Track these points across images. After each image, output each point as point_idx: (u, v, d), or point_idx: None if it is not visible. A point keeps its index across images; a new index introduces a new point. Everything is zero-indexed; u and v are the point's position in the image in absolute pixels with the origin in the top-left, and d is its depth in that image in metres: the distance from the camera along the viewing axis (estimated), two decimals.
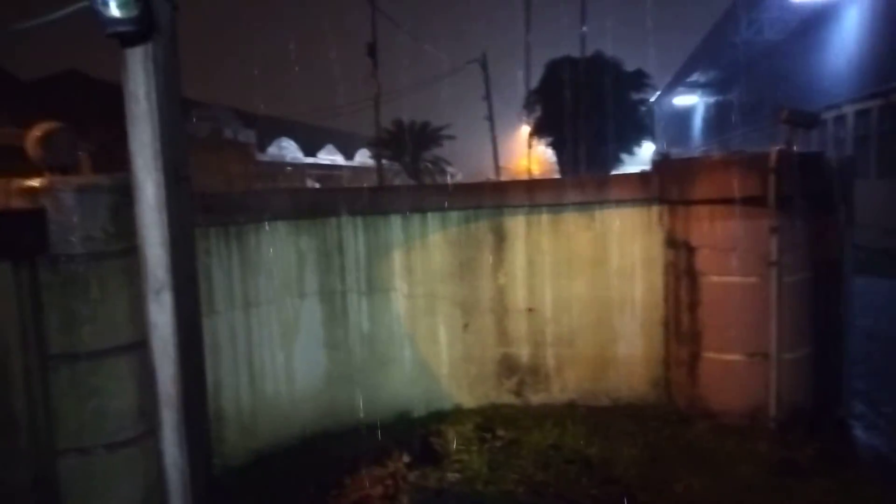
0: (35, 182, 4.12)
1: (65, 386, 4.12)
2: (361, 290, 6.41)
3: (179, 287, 2.67)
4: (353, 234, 6.35)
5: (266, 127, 42.42)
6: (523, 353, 6.73)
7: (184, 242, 2.81)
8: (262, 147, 42.94)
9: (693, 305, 6.19)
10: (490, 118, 27.38)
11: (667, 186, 6.39)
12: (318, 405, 6.09)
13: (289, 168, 42.94)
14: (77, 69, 29.53)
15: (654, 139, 28.63)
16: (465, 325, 6.65)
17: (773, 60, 28.77)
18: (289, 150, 46.40)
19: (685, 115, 47.05)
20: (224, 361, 5.45)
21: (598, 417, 6.14)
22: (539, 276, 6.69)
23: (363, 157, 50.71)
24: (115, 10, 2.29)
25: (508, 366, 6.73)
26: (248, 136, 41.33)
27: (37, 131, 4.39)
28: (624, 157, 26.93)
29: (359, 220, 6.37)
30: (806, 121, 6.61)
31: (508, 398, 6.69)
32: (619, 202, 6.58)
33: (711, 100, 41.57)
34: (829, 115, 22.19)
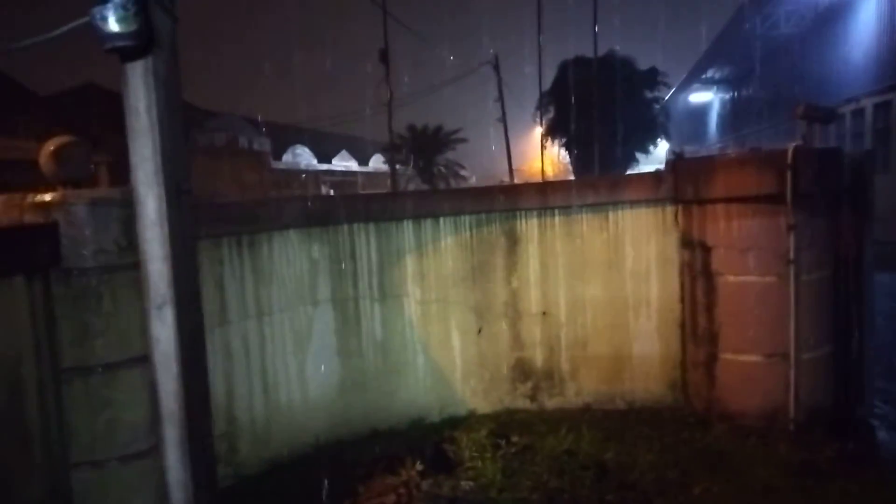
0: (48, 196, 4.15)
1: (78, 398, 4.14)
2: (374, 297, 6.40)
3: (181, 302, 2.66)
4: (364, 240, 6.34)
5: (280, 135, 42.74)
6: (538, 357, 6.68)
7: (185, 257, 2.80)
8: (277, 155, 43.26)
9: (710, 306, 6.10)
10: (503, 120, 27.31)
11: (681, 186, 6.31)
12: (331, 413, 6.08)
13: (303, 175, 43.19)
14: (94, 82, 29.93)
15: (669, 137, 28.38)
16: (479, 330, 6.62)
17: (789, 55, 28.42)
18: (303, 157, 46.71)
19: (701, 112, 46.62)
20: (237, 371, 5.46)
21: (614, 421, 6.07)
22: (553, 279, 6.64)
23: (377, 163, 50.89)
24: (114, 25, 2.29)
25: (523, 370, 6.68)
26: (263, 144, 41.68)
27: (50, 145, 4.43)
28: (639, 156, 26.76)
29: (370, 227, 6.36)
30: (823, 115, 6.50)
31: (523, 403, 6.64)
32: (633, 203, 6.52)
33: (727, 96, 41.15)
34: (847, 109, 21.85)
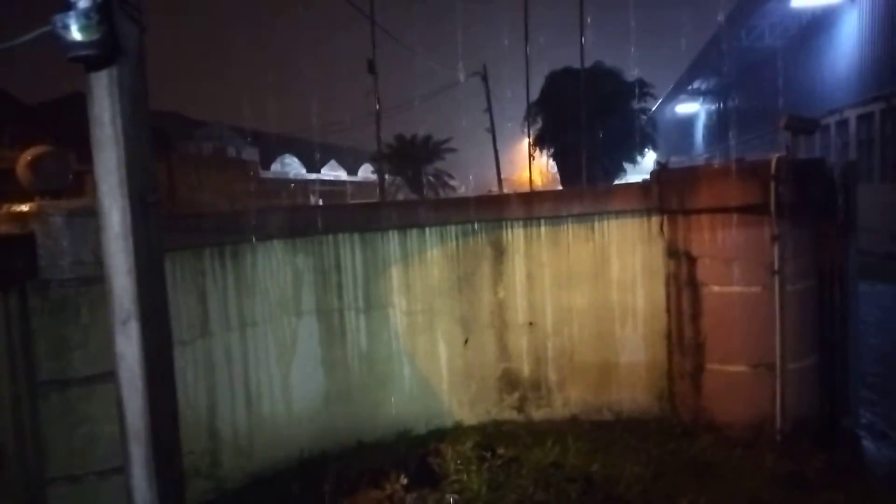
0: (24, 207, 4.09)
1: (55, 412, 4.06)
2: (359, 308, 6.35)
3: (147, 317, 2.60)
4: (349, 251, 6.30)
5: (269, 144, 42.64)
6: (524, 367, 6.65)
7: (152, 271, 2.74)
8: (266, 164, 43.15)
9: (695, 316, 6.10)
10: (492, 130, 27.39)
11: (666, 196, 6.33)
12: (316, 425, 6.01)
13: (292, 185, 43.07)
14: (81, 91, 29.65)
15: (656, 148, 28.55)
16: (465, 341, 6.58)
17: (774, 66, 28.73)
18: (292, 166, 46.63)
19: (687, 123, 47.00)
20: (220, 383, 5.39)
21: (601, 432, 6.04)
22: (539, 290, 6.62)
23: (366, 172, 50.87)
24: (76, 34, 2.24)
25: (510, 381, 6.64)
26: (252, 153, 41.55)
27: (27, 155, 4.37)
28: (627, 166, 26.88)
29: (356, 237, 6.32)
30: (806, 127, 6.54)
31: (510, 414, 6.59)
32: (619, 213, 6.52)
33: (713, 107, 41.53)
34: (831, 120, 22.09)
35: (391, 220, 6.47)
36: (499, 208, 6.66)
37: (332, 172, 52.05)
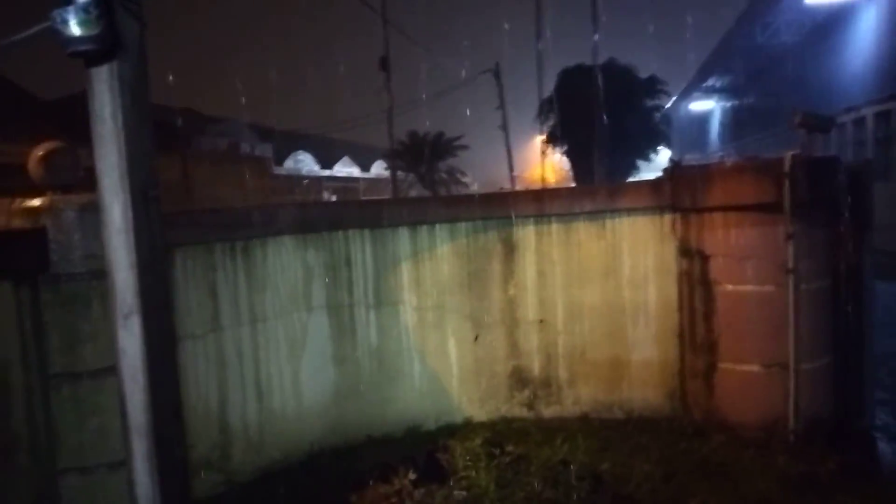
0: (36, 201, 4.13)
1: (66, 405, 4.10)
2: (369, 304, 6.36)
3: (149, 312, 2.60)
4: (360, 246, 6.30)
5: (282, 141, 42.78)
6: (535, 365, 6.62)
7: (154, 265, 2.75)
8: (279, 161, 43.29)
9: (708, 315, 6.05)
10: (504, 128, 27.30)
11: (679, 194, 6.27)
12: (325, 421, 6.03)
13: (305, 181, 43.20)
14: None
15: (670, 145, 28.37)
16: (476, 338, 6.56)
17: (789, 63, 28.44)
18: (305, 163, 46.75)
19: (702, 120, 46.65)
20: (230, 377, 5.41)
21: (611, 431, 6.01)
22: (550, 287, 6.59)
23: (379, 169, 50.90)
24: (75, 29, 2.24)
25: (520, 378, 6.62)
26: (265, 150, 41.71)
27: (38, 150, 4.41)
28: (640, 163, 26.74)
29: (366, 233, 6.32)
30: (821, 124, 6.46)
31: (520, 411, 6.57)
32: (631, 210, 6.48)
33: (728, 105, 41.19)
34: (847, 118, 21.82)
35: (402, 217, 6.47)
36: (510, 205, 6.63)
37: (345, 169, 52.13)
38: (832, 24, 24.86)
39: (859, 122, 21.88)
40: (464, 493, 4.86)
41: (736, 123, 38.41)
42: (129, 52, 2.55)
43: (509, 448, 5.54)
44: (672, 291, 6.41)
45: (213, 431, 5.26)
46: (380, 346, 6.38)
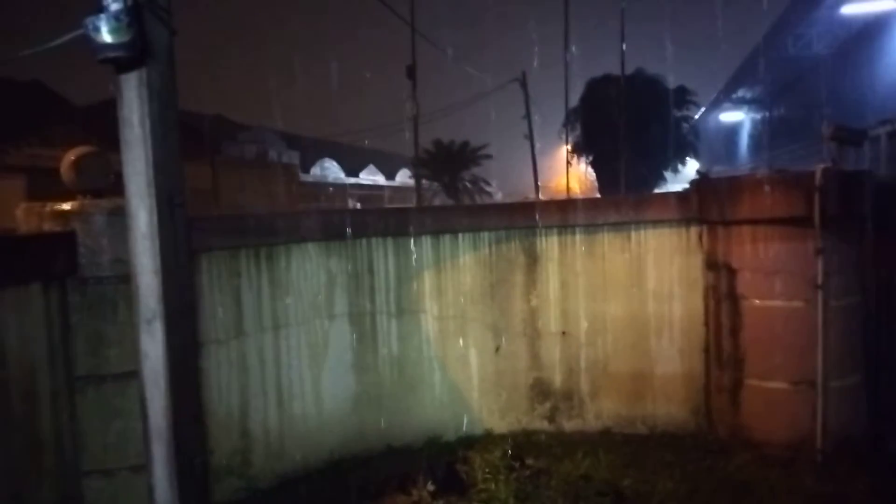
0: (66, 205, 4.21)
1: (91, 407, 4.16)
2: (391, 312, 6.35)
3: (171, 317, 2.63)
4: (383, 254, 6.31)
5: (309, 148, 43.16)
6: (556, 377, 6.56)
7: (178, 271, 2.78)
8: (306, 168, 43.67)
9: (735, 330, 5.94)
10: (530, 137, 27.21)
11: (706, 206, 6.19)
12: (346, 428, 6.03)
13: (331, 188, 43.50)
14: None
15: (698, 157, 28.01)
16: (497, 348, 6.52)
17: (822, 75, 27.97)
18: (331, 170, 47.11)
19: (731, 132, 46.01)
20: (252, 383, 5.44)
21: (634, 446, 5.92)
22: (573, 299, 6.53)
23: (404, 177, 51.11)
24: (106, 36, 2.28)
25: (541, 390, 6.55)
26: (292, 157, 42.10)
27: (70, 155, 4.50)
28: (668, 175, 26.42)
29: (389, 241, 6.33)
30: (853, 137, 6.33)
31: (541, 424, 6.51)
32: (657, 222, 6.40)
33: (758, 116, 40.59)
34: (882, 131, 21.35)
35: (425, 225, 6.46)
36: (533, 215, 6.59)
37: (370, 177, 52.40)
38: (867, 36, 24.40)
39: (893, 136, 21.40)
40: None
41: (766, 135, 37.85)
42: (159, 60, 2.59)
43: (529, 461, 5.49)
44: (698, 305, 6.31)
45: (234, 437, 5.28)
46: (400, 354, 6.37)
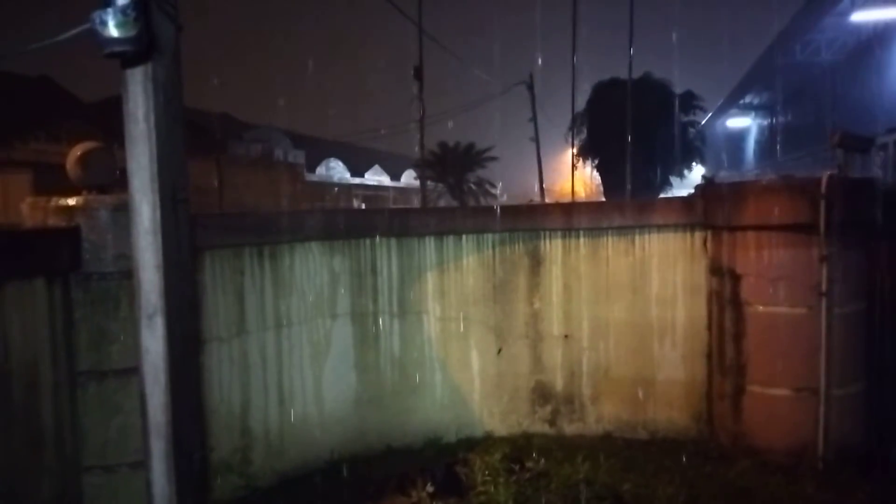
0: (71, 200, 4.22)
1: (92, 403, 4.16)
2: (393, 312, 6.35)
3: (173, 312, 2.63)
4: (386, 255, 6.32)
5: (315, 148, 43.25)
6: (558, 380, 6.55)
7: (180, 266, 2.78)
8: (311, 167, 43.74)
9: (738, 336, 5.92)
10: (536, 140, 27.20)
11: (711, 211, 6.17)
12: (346, 428, 6.03)
13: (336, 188, 43.57)
14: None
15: (704, 162, 27.95)
16: (499, 351, 6.52)
17: (830, 82, 27.88)
18: (336, 170, 47.18)
19: (738, 137, 45.91)
20: (253, 382, 5.45)
21: (635, 451, 5.90)
22: (575, 302, 6.52)
23: (409, 178, 51.13)
24: (113, 30, 2.29)
25: (542, 394, 6.54)
26: (298, 156, 42.19)
27: (76, 150, 4.51)
28: (673, 180, 26.37)
29: (392, 242, 6.33)
30: (860, 144, 6.31)
31: (541, 427, 6.50)
32: (661, 227, 6.39)
33: (765, 122, 40.49)
34: (890, 139, 21.28)
35: (428, 226, 6.47)
36: (537, 218, 6.59)
37: (376, 177, 52.48)
38: (876, 43, 24.31)
39: None
40: None
41: (772, 141, 37.74)
42: (164, 55, 2.60)
43: (529, 464, 5.47)
44: (701, 310, 6.30)
45: (235, 435, 5.29)
46: (402, 355, 6.37)
